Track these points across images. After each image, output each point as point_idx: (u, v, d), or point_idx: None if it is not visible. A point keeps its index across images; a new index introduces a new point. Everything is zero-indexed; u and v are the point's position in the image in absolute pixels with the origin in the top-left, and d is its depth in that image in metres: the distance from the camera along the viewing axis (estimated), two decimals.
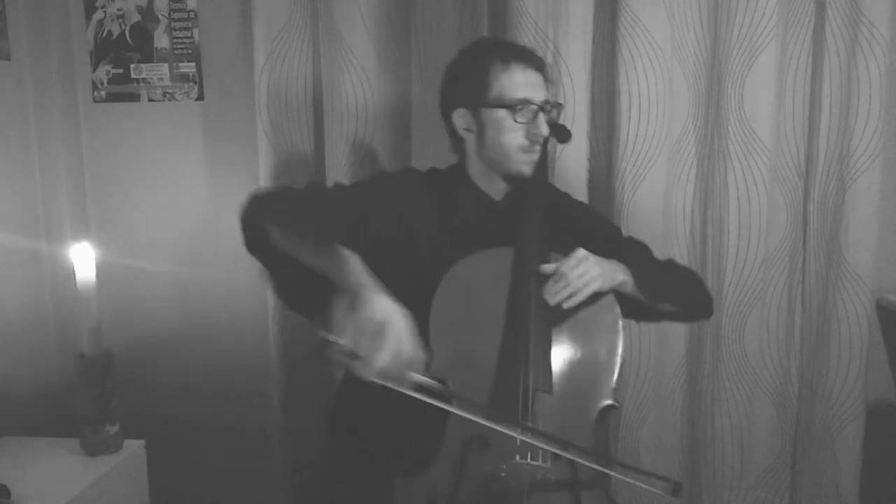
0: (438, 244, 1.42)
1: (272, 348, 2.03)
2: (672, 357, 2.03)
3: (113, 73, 2.14)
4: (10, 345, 1.96)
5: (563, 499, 1.25)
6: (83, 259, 1.63)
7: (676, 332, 2.00)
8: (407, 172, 1.58)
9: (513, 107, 1.42)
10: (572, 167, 1.92)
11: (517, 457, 1.24)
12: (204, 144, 2.15)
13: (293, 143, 2.02)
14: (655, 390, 2.00)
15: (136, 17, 2.11)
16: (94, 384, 1.64)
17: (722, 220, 1.94)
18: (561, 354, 1.33)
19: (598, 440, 1.94)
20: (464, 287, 1.34)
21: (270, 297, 2.01)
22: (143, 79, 2.14)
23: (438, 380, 1.20)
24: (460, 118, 1.47)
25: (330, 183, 1.97)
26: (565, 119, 1.84)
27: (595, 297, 1.33)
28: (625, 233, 1.84)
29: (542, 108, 1.43)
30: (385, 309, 1.09)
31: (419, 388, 1.12)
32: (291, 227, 1.26)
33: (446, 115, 1.49)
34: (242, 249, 1.36)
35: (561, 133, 1.47)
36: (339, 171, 1.98)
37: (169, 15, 2.10)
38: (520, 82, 1.42)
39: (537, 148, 1.44)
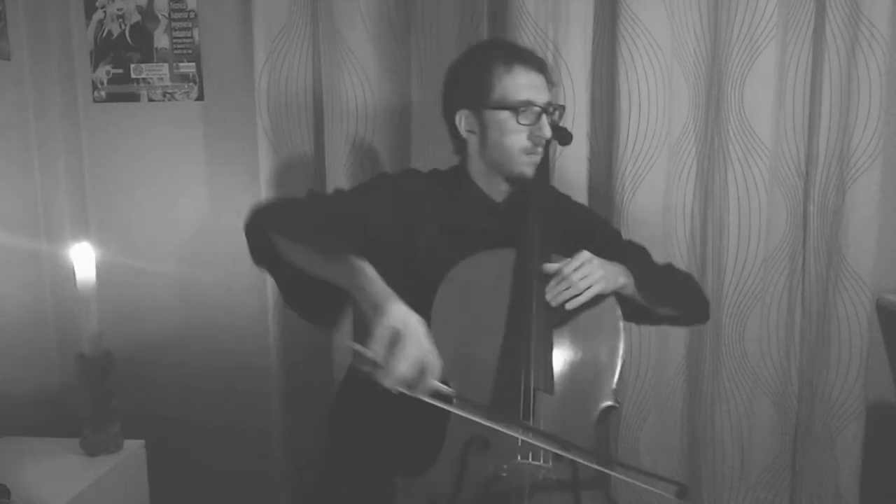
0: (439, 245, 1.42)
1: (272, 348, 2.03)
2: (672, 357, 2.03)
3: (113, 73, 2.14)
4: (10, 345, 1.96)
5: (563, 499, 1.25)
6: (83, 259, 1.63)
7: (676, 333, 2.00)
8: (408, 173, 1.58)
9: (516, 108, 1.42)
10: (572, 167, 1.92)
11: (518, 457, 1.24)
12: (204, 144, 2.15)
13: (293, 143, 2.02)
14: (655, 390, 2.00)
15: (136, 17, 2.11)
16: (94, 384, 1.64)
17: (722, 220, 1.94)
18: (562, 355, 1.33)
19: (599, 440, 1.94)
20: (465, 288, 1.34)
21: (270, 297, 2.01)
22: (143, 79, 2.14)
23: (440, 380, 1.20)
24: (463, 120, 1.47)
25: (330, 184, 1.98)
26: (565, 119, 1.84)
27: (597, 298, 1.33)
28: (625, 233, 1.85)
29: (544, 109, 1.43)
30: (403, 317, 1.10)
31: (435, 394, 1.13)
32: (297, 238, 1.26)
33: (448, 117, 1.49)
34: (242, 249, 1.36)
35: (563, 135, 1.48)
36: (339, 171, 1.98)
37: (169, 15, 2.10)
38: (522, 84, 1.42)
39: (540, 150, 1.44)
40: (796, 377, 2.05)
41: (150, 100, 2.15)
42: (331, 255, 1.22)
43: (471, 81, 1.45)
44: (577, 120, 1.89)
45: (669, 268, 1.60)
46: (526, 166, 1.45)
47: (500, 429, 1.20)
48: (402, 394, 1.09)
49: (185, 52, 2.11)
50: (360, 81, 1.96)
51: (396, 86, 1.99)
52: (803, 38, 1.92)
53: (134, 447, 1.72)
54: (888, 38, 1.85)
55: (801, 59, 1.93)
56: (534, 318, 1.30)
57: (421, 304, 1.20)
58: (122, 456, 1.68)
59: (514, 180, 1.48)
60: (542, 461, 1.24)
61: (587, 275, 1.31)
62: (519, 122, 1.42)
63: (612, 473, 1.31)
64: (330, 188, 1.98)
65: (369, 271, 1.17)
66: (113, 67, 2.14)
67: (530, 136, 1.43)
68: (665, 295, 1.47)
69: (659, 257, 1.79)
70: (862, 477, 1.99)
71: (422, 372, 1.09)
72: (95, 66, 2.14)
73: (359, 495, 1.42)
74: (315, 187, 2.04)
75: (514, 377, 1.27)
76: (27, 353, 2.03)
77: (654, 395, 2.00)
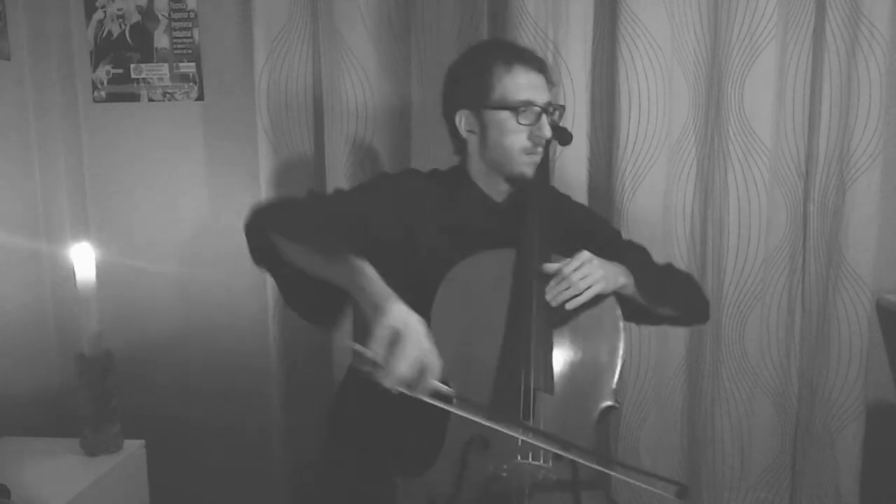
0: (439, 245, 1.42)
1: (272, 348, 2.03)
2: (672, 357, 2.03)
3: (113, 73, 2.14)
4: (10, 345, 1.96)
5: (563, 499, 1.25)
6: (83, 259, 1.63)
7: (676, 333, 2.00)
8: (408, 173, 1.59)
9: (516, 109, 1.42)
10: (572, 167, 1.92)
11: (518, 457, 1.24)
12: (204, 144, 2.15)
13: (293, 143, 2.02)
14: (655, 390, 2.00)
15: (136, 17, 2.11)
16: (94, 384, 1.64)
17: (722, 220, 1.94)
18: (562, 355, 1.33)
19: (599, 440, 1.94)
20: (465, 288, 1.34)
21: (270, 297, 2.01)
22: (143, 79, 2.14)
23: (440, 380, 1.20)
24: (463, 120, 1.47)
25: (330, 184, 1.98)
26: (565, 119, 1.84)
27: (597, 298, 1.33)
28: (625, 233, 1.85)
29: (544, 109, 1.43)
30: (403, 317, 1.10)
31: (436, 394, 1.13)
32: (297, 238, 1.26)
33: (448, 117, 1.50)
34: (242, 249, 1.36)
35: (563, 136, 1.48)
36: (339, 171, 1.98)
37: (169, 15, 2.10)
38: (523, 84, 1.42)
39: (540, 150, 1.45)
40: (796, 377, 2.05)
41: (150, 100, 2.15)
42: (331, 255, 1.22)
43: (471, 81, 1.45)
44: (577, 120, 1.89)
45: (669, 268, 1.60)
46: (526, 166, 1.45)
47: (500, 429, 1.20)
48: (402, 394, 1.09)
49: (185, 52, 2.11)
50: (360, 81, 1.96)
51: (396, 86, 1.99)
52: (803, 38, 1.92)
53: (134, 447, 1.72)
54: (888, 38, 1.85)
55: (801, 59, 1.93)
56: (534, 318, 1.30)
57: (421, 304, 1.20)
58: (122, 456, 1.68)
59: (514, 180, 1.48)
60: (542, 461, 1.24)
61: (587, 275, 1.31)
62: (519, 122, 1.42)
63: (612, 473, 1.31)
64: (330, 188, 1.98)
65: (369, 271, 1.17)
66: (113, 67, 2.14)
67: (530, 136, 1.43)
68: (665, 295, 1.47)
69: (659, 257, 1.79)
70: (862, 477, 1.99)
71: (422, 372, 1.09)
72: (95, 66, 2.14)
73: (359, 495, 1.42)
74: (315, 187, 2.04)
75: (514, 377, 1.27)
76: (27, 353, 2.03)
77: (654, 395, 2.00)
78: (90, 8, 2.12)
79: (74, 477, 1.58)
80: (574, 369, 1.33)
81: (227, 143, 2.13)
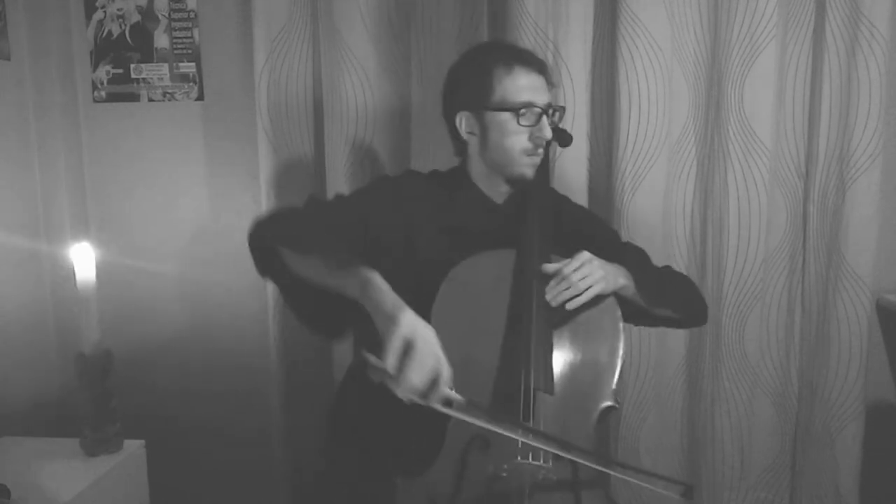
0: (439, 246, 1.42)
1: (272, 348, 2.03)
2: (672, 357, 2.03)
3: (113, 73, 2.14)
4: (9, 345, 1.96)
5: (563, 499, 1.25)
6: (83, 259, 1.63)
7: (676, 333, 2.00)
8: (408, 175, 1.59)
9: (516, 110, 1.42)
10: (572, 167, 1.92)
11: (518, 457, 1.24)
12: (204, 144, 2.15)
13: (293, 143, 2.02)
14: (655, 390, 2.00)
15: (136, 17, 2.11)
16: (94, 384, 1.64)
17: (722, 220, 1.94)
18: (562, 356, 1.33)
19: (599, 441, 1.94)
20: (465, 288, 1.34)
21: (270, 297, 2.01)
22: (143, 79, 2.14)
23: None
24: (463, 121, 1.47)
25: (330, 184, 1.98)
26: (566, 120, 1.84)
27: (597, 299, 1.33)
28: (625, 233, 1.85)
29: (545, 111, 1.43)
30: (416, 328, 1.11)
31: (447, 402, 1.13)
32: (304, 250, 1.26)
33: (449, 118, 1.50)
34: (243, 249, 1.36)
35: (563, 137, 1.48)
36: (339, 171, 1.98)
37: (169, 15, 2.10)
38: (523, 85, 1.42)
39: (540, 151, 1.45)
40: (796, 377, 2.05)
41: (150, 100, 2.15)
42: (340, 266, 1.22)
43: (471, 83, 1.45)
44: (577, 120, 1.89)
45: (668, 270, 1.61)
46: (526, 167, 1.45)
47: (507, 433, 1.20)
48: (413, 403, 1.10)
49: (185, 52, 2.11)
50: (360, 81, 1.96)
51: (396, 86, 1.99)
52: (803, 38, 1.92)
53: (134, 447, 1.72)
54: (888, 38, 1.85)
55: (801, 59, 1.93)
56: (534, 319, 1.30)
57: (421, 305, 1.21)
58: (122, 456, 1.68)
59: (515, 181, 1.48)
60: (542, 461, 1.24)
61: (587, 275, 1.31)
62: (519, 124, 1.42)
63: (613, 473, 1.31)
64: (330, 188, 1.98)
65: (379, 282, 1.18)
66: (113, 67, 2.14)
67: (531, 138, 1.43)
68: (664, 296, 1.47)
69: (659, 257, 1.80)
70: (862, 477, 1.99)
71: (434, 381, 1.10)
72: (95, 66, 2.14)
73: (359, 495, 1.42)
74: (315, 187, 2.04)
75: (514, 377, 1.27)
76: (27, 354, 2.03)
77: (654, 395, 2.00)
78: (90, 8, 2.12)
79: (74, 477, 1.58)
80: (574, 370, 1.33)
81: (227, 143, 2.13)
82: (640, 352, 1.97)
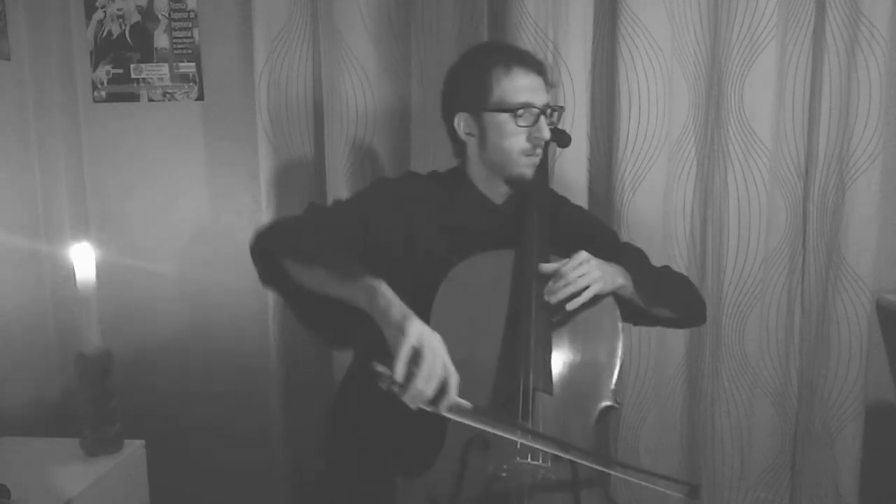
0: (439, 246, 1.42)
1: (272, 348, 2.03)
2: (672, 357, 2.03)
3: (113, 73, 2.14)
4: (9, 345, 1.96)
5: (563, 498, 1.25)
6: (83, 259, 1.63)
7: (676, 333, 2.00)
8: (407, 176, 1.59)
9: (514, 111, 1.42)
10: (572, 168, 1.92)
11: (517, 457, 1.24)
12: (204, 144, 2.15)
13: (293, 143, 2.02)
14: (655, 390, 2.00)
15: (136, 17, 2.11)
16: (94, 384, 1.64)
17: (722, 220, 1.94)
18: (561, 356, 1.33)
19: (599, 441, 1.94)
20: (464, 289, 1.34)
21: (270, 298, 2.01)
22: (143, 79, 2.14)
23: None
24: (462, 122, 1.47)
25: (330, 184, 1.98)
26: (565, 120, 1.84)
27: (595, 299, 1.33)
28: (625, 233, 1.86)
29: (543, 111, 1.44)
30: (423, 336, 1.11)
31: (455, 408, 1.14)
32: (309, 261, 1.27)
33: (448, 119, 1.50)
34: (242, 249, 1.37)
35: (561, 138, 1.49)
36: (339, 171, 1.98)
37: (169, 15, 2.10)
38: (521, 86, 1.43)
39: (539, 151, 1.45)
40: (796, 377, 2.05)
41: (150, 100, 2.15)
42: (345, 276, 1.22)
43: (469, 84, 1.45)
44: (577, 120, 1.89)
45: (667, 270, 1.61)
46: (525, 168, 1.45)
47: (512, 437, 1.20)
48: (422, 410, 1.11)
49: (185, 52, 2.11)
50: (360, 81, 1.96)
51: (396, 86, 1.99)
52: (803, 38, 1.92)
53: (134, 447, 1.73)
54: (888, 38, 1.85)
55: (801, 59, 1.93)
56: (533, 319, 1.30)
57: (420, 306, 1.21)
58: (122, 456, 1.68)
59: (514, 182, 1.48)
60: (541, 461, 1.24)
61: (584, 274, 1.31)
62: (518, 125, 1.42)
63: (613, 473, 1.31)
64: (330, 188, 1.99)
65: (385, 291, 1.18)
66: (113, 67, 2.14)
67: (529, 138, 1.43)
68: (663, 296, 1.47)
69: (659, 258, 1.80)
70: (861, 477, 1.99)
71: (442, 389, 1.10)
72: (95, 66, 2.14)
73: (359, 495, 1.42)
74: (315, 187, 2.04)
75: (513, 378, 1.27)
76: (27, 354, 2.03)
77: (654, 395, 2.00)
78: (90, 8, 2.12)
79: (74, 477, 1.58)
80: (573, 370, 1.33)
81: (227, 143, 2.13)
82: (640, 352, 1.97)
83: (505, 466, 1.24)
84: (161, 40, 2.12)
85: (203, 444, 2.19)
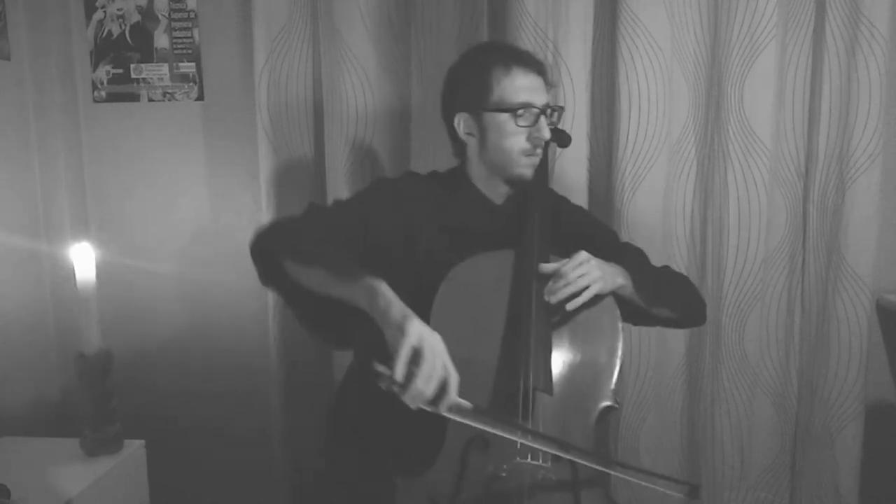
0: (439, 247, 1.43)
1: (272, 348, 2.03)
2: (672, 357, 2.03)
3: (113, 73, 2.14)
4: (9, 345, 1.96)
5: (563, 498, 1.25)
6: (83, 259, 1.63)
7: (676, 333, 2.00)
8: (407, 177, 1.59)
9: (514, 111, 1.42)
10: (572, 168, 1.92)
11: (517, 457, 1.24)
12: (204, 144, 2.15)
13: (293, 143, 2.02)
14: (655, 390, 2.00)
15: (136, 17, 2.11)
16: (94, 384, 1.64)
17: (722, 220, 1.94)
18: (561, 356, 1.33)
19: (599, 440, 1.94)
20: (464, 289, 1.34)
21: (270, 297, 2.01)
22: (143, 79, 2.14)
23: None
24: (462, 122, 1.47)
25: (330, 184, 1.98)
26: (565, 120, 1.84)
27: (595, 299, 1.33)
28: (625, 233, 1.86)
29: (543, 111, 1.44)
30: (424, 337, 1.11)
31: (455, 408, 1.14)
32: (309, 262, 1.27)
33: (448, 119, 1.50)
34: (242, 249, 1.37)
35: (561, 138, 1.49)
36: (339, 171, 1.98)
37: (169, 15, 2.10)
38: (521, 86, 1.43)
39: (539, 151, 1.45)
40: (796, 377, 2.05)
41: (150, 100, 2.15)
42: (345, 277, 1.22)
43: (469, 84, 1.46)
44: (577, 120, 1.89)
45: (666, 270, 1.61)
46: (525, 168, 1.45)
47: (501, 433, 1.20)
48: (422, 410, 1.11)
49: (185, 52, 2.11)
50: (360, 81, 1.96)
51: (396, 86, 1.99)
52: (803, 38, 1.92)
53: (134, 447, 1.73)
54: (888, 38, 1.85)
55: (801, 59, 1.93)
56: (533, 319, 1.30)
57: (420, 306, 1.21)
58: (122, 456, 1.68)
59: (514, 182, 1.48)
60: (541, 461, 1.24)
61: (584, 273, 1.31)
62: (517, 125, 1.42)
63: (613, 473, 1.31)
64: (330, 188, 1.99)
65: (386, 291, 1.18)
66: (113, 67, 2.14)
67: (529, 138, 1.43)
68: (663, 296, 1.47)
69: (659, 258, 1.80)
70: (861, 477, 1.99)
71: (442, 389, 1.11)
72: (95, 66, 2.14)
73: (359, 495, 1.42)
74: (315, 187, 2.04)
75: (513, 377, 1.27)
76: (27, 354, 2.03)
77: (654, 395, 2.00)
78: (90, 8, 2.12)
79: (74, 477, 1.58)
80: (573, 370, 1.33)
81: (227, 143, 2.13)
82: (640, 352, 1.97)
83: (505, 466, 1.24)
84: (161, 40, 2.12)
85: (203, 444, 2.19)
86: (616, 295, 1.39)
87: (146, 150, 2.16)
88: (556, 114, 1.48)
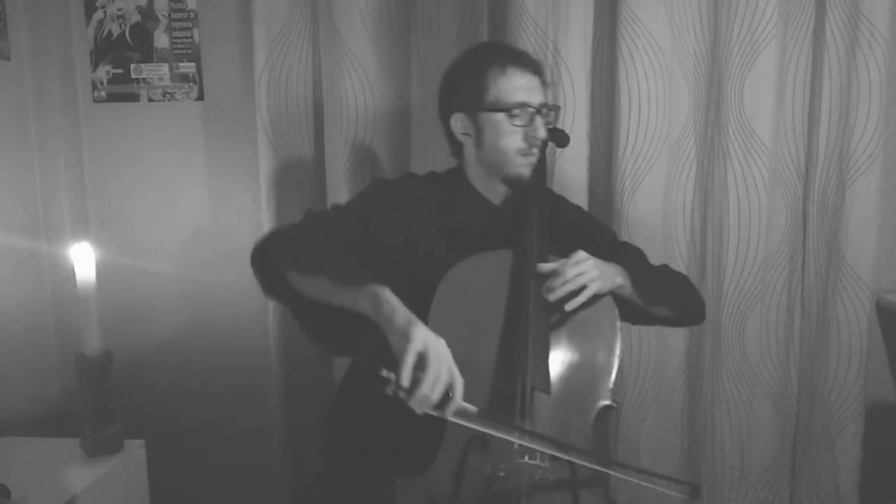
0: (437, 247, 1.43)
1: (272, 348, 2.03)
2: (672, 357, 2.03)
3: (113, 73, 2.14)
4: (9, 345, 1.96)
5: (562, 498, 1.25)
6: (83, 259, 1.63)
7: (676, 333, 2.00)
8: (405, 178, 1.59)
9: (510, 110, 1.42)
10: (572, 168, 1.92)
11: (516, 457, 1.24)
12: (204, 144, 2.15)
13: (293, 143, 2.02)
14: (655, 390, 2.00)
15: (136, 17, 2.11)
16: (94, 384, 1.64)
17: (722, 220, 1.94)
18: (559, 355, 1.33)
19: (598, 440, 1.94)
20: (463, 288, 1.34)
21: None
22: (143, 79, 2.14)
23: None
24: (458, 122, 1.47)
25: (330, 184, 1.99)
26: (565, 119, 1.85)
27: (594, 298, 1.33)
28: (625, 233, 1.86)
29: (539, 111, 1.44)
30: (429, 342, 1.11)
31: (460, 412, 1.14)
32: (311, 271, 1.27)
33: (445, 120, 1.50)
34: (242, 249, 1.37)
35: (559, 137, 1.49)
36: (338, 171, 1.98)
37: (169, 15, 2.10)
38: (517, 86, 1.43)
39: (535, 151, 1.45)
40: (796, 377, 2.05)
41: (150, 100, 2.15)
42: (348, 284, 1.23)
43: (466, 84, 1.46)
44: (577, 120, 1.89)
45: (665, 269, 1.60)
46: (522, 167, 1.45)
47: (499, 434, 1.20)
48: (427, 414, 1.11)
49: (185, 52, 2.11)
50: (360, 81, 1.96)
51: (396, 86, 1.99)
52: (803, 38, 1.92)
53: (134, 447, 1.73)
54: (888, 38, 1.85)
55: (801, 59, 1.93)
56: (531, 319, 1.30)
57: (419, 306, 1.21)
58: (122, 456, 1.68)
59: (511, 182, 1.48)
60: (539, 461, 1.24)
61: (583, 273, 1.31)
62: (513, 124, 1.43)
63: (613, 473, 1.31)
64: (330, 189, 1.99)
65: (389, 297, 1.18)
66: (113, 67, 2.14)
67: (525, 138, 1.43)
68: (661, 295, 1.47)
69: (659, 257, 1.80)
70: (861, 477, 1.99)
71: (448, 394, 1.11)
72: (95, 66, 2.15)
73: (359, 495, 1.42)
74: (315, 188, 2.04)
75: (511, 377, 1.27)
76: (27, 354, 2.03)
77: (654, 395, 2.00)
78: (90, 8, 2.12)
79: (74, 477, 1.58)
80: (571, 369, 1.33)
81: (227, 143, 2.13)
82: (640, 352, 1.97)
83: (503, 466, 1.24)
84: (161, 40, 2.12)
85: (203, 444, 2.19)
86: (615, 294, 1.38)
87: (146, 150, 2.16)
88: (552, 113, 1.48)
